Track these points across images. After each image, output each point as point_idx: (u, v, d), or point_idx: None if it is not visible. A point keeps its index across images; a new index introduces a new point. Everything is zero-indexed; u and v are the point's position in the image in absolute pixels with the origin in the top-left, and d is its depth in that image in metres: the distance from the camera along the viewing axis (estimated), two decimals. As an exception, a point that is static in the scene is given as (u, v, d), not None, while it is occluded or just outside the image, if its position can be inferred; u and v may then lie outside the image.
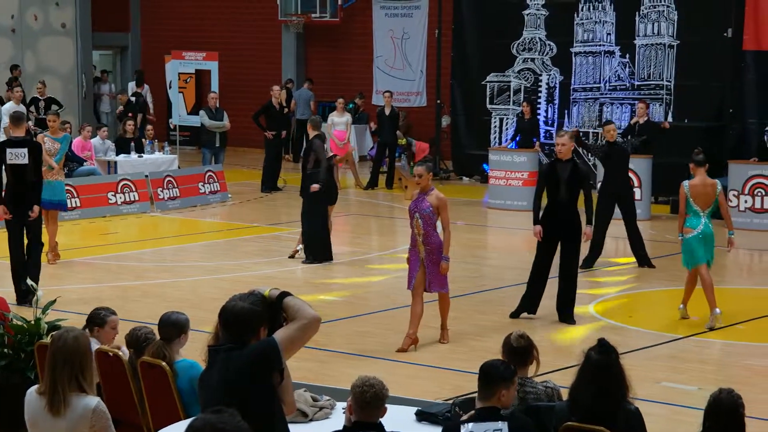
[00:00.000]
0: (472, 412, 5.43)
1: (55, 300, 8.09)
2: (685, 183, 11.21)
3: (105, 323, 7.25)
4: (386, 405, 5.20)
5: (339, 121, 21.30)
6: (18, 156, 11.79)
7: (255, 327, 4.89)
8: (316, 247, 14.11)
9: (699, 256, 11.14)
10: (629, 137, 16.34)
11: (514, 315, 11.41)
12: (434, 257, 10.09)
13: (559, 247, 11.34)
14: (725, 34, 19.95)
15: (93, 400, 5.31)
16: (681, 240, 11.30)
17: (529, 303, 11.43)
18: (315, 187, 13.90)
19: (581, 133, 15.74)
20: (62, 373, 5.27)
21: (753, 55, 19.59)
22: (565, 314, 11.31)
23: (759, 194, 17.33)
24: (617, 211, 14.15)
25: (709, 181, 11.22)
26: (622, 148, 14.34)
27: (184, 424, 4.88)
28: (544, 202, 11.39)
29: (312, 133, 14.34)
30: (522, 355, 6.26)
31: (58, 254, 14.04)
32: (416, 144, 23.30)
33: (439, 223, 10.19)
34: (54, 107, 22.31)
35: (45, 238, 13.09)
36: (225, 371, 4.83)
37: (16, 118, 12.20)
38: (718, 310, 11.09)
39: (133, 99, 23.77)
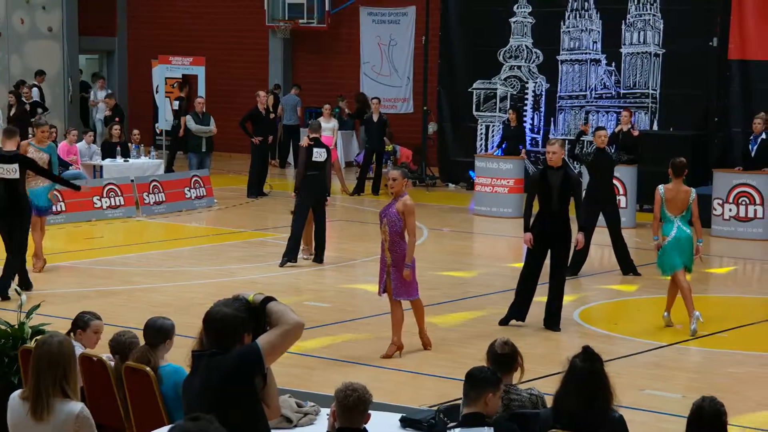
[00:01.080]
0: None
1: (39, 304, 8.08)
2: (661, 187, 11.39)
3: (88, 326, 7.27)
4: (370, 411, 5.20)
5: (325, 127, 21.26)
6: (9, 171, 12.09)
7: (238, 333, 4.90)
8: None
9: (675, 263, 11.24)
10: (614, 146, 16.38)
11: (503, 322, 11.41)
12: (399, 265, 10.03)
13: (548, 255, 11.36)
14: (711, 44, 20.05)
15: (77, 406, 5.29)
16: (656, 243, 11.41)
17: (518, 310, 11.41)
18: (292, 195, 14.53)
19: (581, 136, 15.65)
20: (46, 378, 5.25)
21: (738, 65, 19.69)
22: (551, 321, 11.33)
23: (743, 203, 17.40)
24: (601, 218, 14.18)
25: (683, 188, 11.35)
26: (610, 156, 14.36)
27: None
28: (535, 209, 11.40)
29: (311, 136, 14.44)
30: (506, 362, 6.27)
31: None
32: (400, 150, 23.36)
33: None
34: (39, 111, 22.29)
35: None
36: (208, 376, 4.84)
37: (9, 132, 12.51)
38: (697, 312, 11.18)
39: (177, 103, 23.72)
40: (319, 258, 14.59)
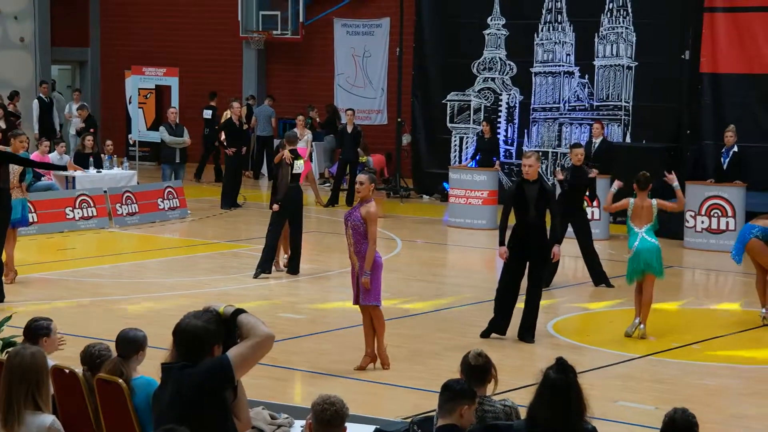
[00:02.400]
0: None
1: (10, 316, 8.03)
2: (631, 200, 11.67)
3: (51, 331, 7.24)
4: (346, 424, 5.19)
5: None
6: None
7: (208, 345, 4.88)
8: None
9: (633, 276, 11.59)
10: (587, 163, 16.35)
11: (485, 335, 11.38)
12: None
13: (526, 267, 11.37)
14: (683, 57, 20.19)
15: (48, 418, 5.26)
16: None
17: (500, 324, 11.36)
18: (275, 207, 14.28)
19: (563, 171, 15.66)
20: (18, 390, 5.21)
21: (710, 78, 19.83)
22: (525, 333, 11.33)
23: (715, 215, 17.50)
24: (569, 231, 14.19)
25: (647, 202, 11.55)
26: (586, 174, 14.35)
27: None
28: (511, 222, 11.40)
29: (290, 148, 14.45)
30: (480, 374, 6.28)
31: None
32: (373, 157, 23.37)
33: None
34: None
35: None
36: (178, 389, 4.82)
37: None
38: (637, 319, 11.55)
39: (209, 113, 23.60)
40: (294, 269, 14.57)
